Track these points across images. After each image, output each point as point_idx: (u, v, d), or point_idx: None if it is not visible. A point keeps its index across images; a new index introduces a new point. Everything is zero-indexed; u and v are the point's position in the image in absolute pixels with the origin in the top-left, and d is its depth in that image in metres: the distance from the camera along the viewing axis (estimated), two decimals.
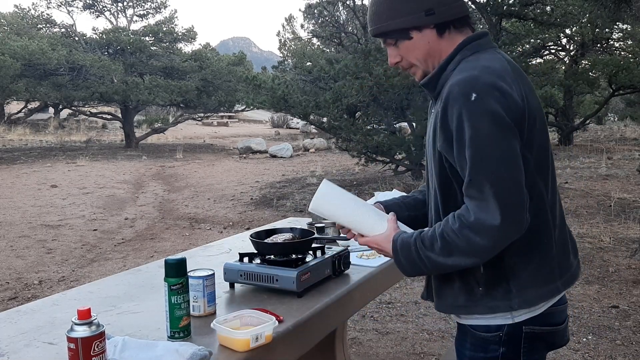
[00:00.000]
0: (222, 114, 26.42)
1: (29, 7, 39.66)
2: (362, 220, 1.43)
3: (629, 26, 14.18)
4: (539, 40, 15.08)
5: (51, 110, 26.52)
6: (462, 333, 1.41)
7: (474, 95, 1.20)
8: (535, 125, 1.27)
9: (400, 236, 1.35)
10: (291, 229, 1.95)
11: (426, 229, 1.34)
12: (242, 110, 22.59)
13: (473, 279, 1.32)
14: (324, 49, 20.60)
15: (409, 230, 1.42)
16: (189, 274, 1.47)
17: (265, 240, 1.82)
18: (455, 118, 1.23)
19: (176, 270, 1.40)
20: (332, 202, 1.43)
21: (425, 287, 1.50)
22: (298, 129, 26.70)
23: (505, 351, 1.32)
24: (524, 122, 1.24)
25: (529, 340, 1.32)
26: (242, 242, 2.36)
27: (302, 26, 34.78)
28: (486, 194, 1.20)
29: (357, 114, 12.79)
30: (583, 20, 12.92)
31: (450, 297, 1.38)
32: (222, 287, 1.74)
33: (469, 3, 10.32)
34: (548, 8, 10.96)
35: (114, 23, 20.41)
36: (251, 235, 1.86)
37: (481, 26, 10.85)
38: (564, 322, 1.40)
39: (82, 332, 1.18)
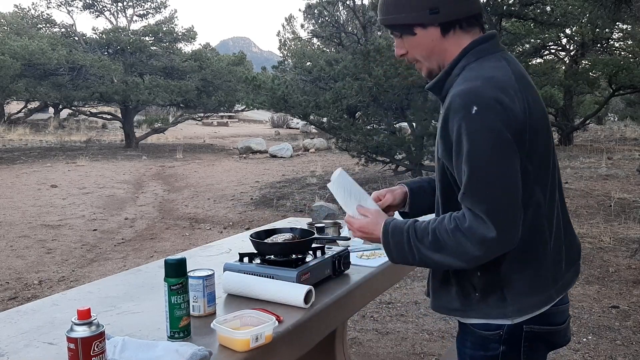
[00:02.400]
0: (222, 114, 26.44)
1: (29, 7, 39.66)
2: (351, 202, 1.46)
3: (629, 26, 14.18)
4: (539, 40, 15.08)
5: (51, 110, 26.53)
6: (463, 331, 1.41)
7: (474, 108, 1.19)
8: (538, 136, 1.26)
9: (393, 221, 1.36)
10: (291, 229, 1.95)
11: (420, 219, 1.34)
12: (242, 110, 22.61)
13: (470, 284, 1.33)
14: (324, 49, 20.59)
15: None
16: (189, 274, 1.47)
17: (265, 241, 1.82)
18: (455, 129, 1.22)
19: (176, 271, 1.40)
20: (340, 184, 1.48)
21: (427, 285, 1.51)
22: (298, 129, 26.71)
23: (505, 350, 1.33)
24: (524, 134, 1.23)
25: (529, 340, 1.33)
26: (242, 242, 2.35)
27: (302, 26, 34.82)
28: (480, 209, 1.21)
29: (357, 114, 12.81)
30: (583, 20, 12.92)
31: (445, 299, 1.39)
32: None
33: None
34: (548, 8, 10.96)
35: (114, 23, 20.41)
36: (251, 235, 1.85)
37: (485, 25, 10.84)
38: (565, 322, 1.40)
39: (82, 332, 1.18)
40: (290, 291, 1.56)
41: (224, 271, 1.76)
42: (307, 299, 1.54)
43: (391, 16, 1.35)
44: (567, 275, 1.39)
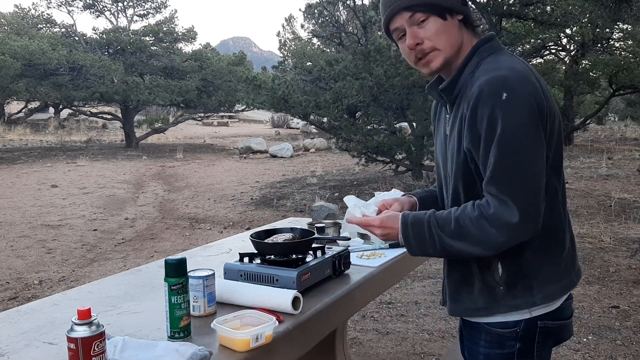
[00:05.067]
0: (222, 114, 26.43)
1: (29, 7, 39.72)
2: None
3: (630, 26, 14.16)
4: (539, 40, 15.07)
5: (51, 110, 26.54)
6: (474, 331, 1.40)
7: (504, 94, 1.22)
8: (555, 123, 1.30)
9: (412, 213, 1.38)
10: (291, 229, 1.95)
11: (440, 211, 1.35)
12: (242, 110, 22.61)
13: (493, 280, 1.33)
14: (324, 49, 20.60)
15: None
16: (189, 274, 1.47)
17: (266, 241, 1.82)
18: (486, 117, 1.24)
19: (176, 270, 1.40)
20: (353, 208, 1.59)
21: (442, 294, 1.52)
22: (298, 129, 26.71)
23: (521, 346, 1.34)
24: (547, 120, 1.27)
25: (542, 335, 1.35)
26: (242, 242, 2.35)
27: (302, 26, 34.82)
28: (506, 193, 1.23)
29: (357, 114, 12.80)
30: (583, 20, 12.91)
31: (468, 300, 1.38)
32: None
33: (470, 3, 10.33)
34: (548, 8, 10.95)
35: (114, 23, 20.43)
36: (251, 235, 1.85)
37: (481, 26, 10.85)
38: (571, 315, 1.44)
39: (82, 332, 1.18)
40: (277, 297, 1.55)
41: (224, 271, 1.77)
42: (295, 304, 1.53)
43: None
44: (577, 262, 1.43)
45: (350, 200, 1.60)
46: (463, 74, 1.34)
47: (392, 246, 2.21)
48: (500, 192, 1.23)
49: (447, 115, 1.42)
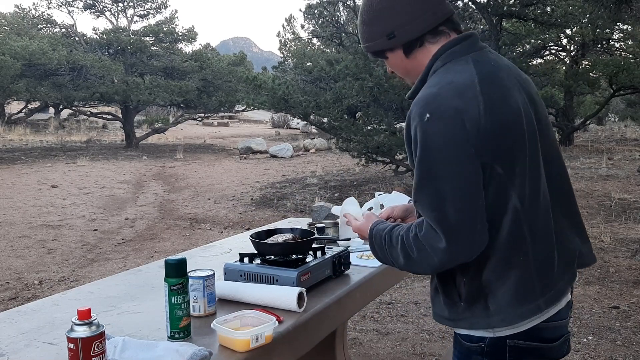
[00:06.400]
0: (222, 114, 26.43)
1: (29, 7, 39.72)
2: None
3: (630, 26, 14.17)
4: (539, 41, 15.07)
5: (51, 110, 26.54)
6: (454, 340, 1.40)
7: (427, 115, 1.20)
8: (507, 138, 1.22)
9: (378, 225, 1.39)
10: (291, 230, 1.95)
11: (399, 226, 1.34)
12: (243, 111, 22.61)
13: (456, 293, 1.30)
14: (325, 49, 20.59)
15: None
16: (189, 274, 1.47)
17: (266, 241, 1.82)
18: (413, 138, 1.24)
19: (176, 271, 1.40)
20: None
21: None
22: (298, 129, 26.71)
23: None
24: (486, 138, 1.19)
25: (514, 353, 1.28)
26: (243, 242, 2.35)
27: (302, 26, 34.78)
28: (428, 217, 1.21)
29: (357, 115, 12.81)
30: (583, 21, 12.91)
31: (438, 307, 1.38)
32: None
33: (470, 3, 10.33)
34: (548, 8, 10.95)
35: (115, 23, 20.41)
36: (251, 236, 1.85)
37: (481, 26, 10.85)
38: (559, 338, 1.32)
39: (82, 332, 1.18)
40: (282, 296, 1.55)
41: (224, 271, 1.77)
42: (300, 302, 1.54)
43: (365, 45, 1.42)
44: (559, 284, 1.30)
45: (346, 203, 1.68)
46: (426, 83, 1.32)
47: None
48: (423, 214, 1.22)
49: None
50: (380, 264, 2.02)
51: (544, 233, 1.28)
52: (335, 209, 1.67)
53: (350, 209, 1.62)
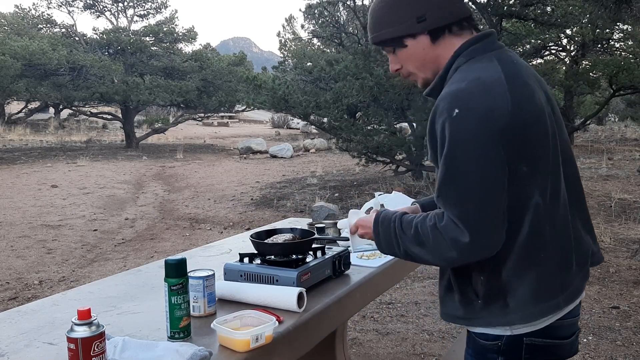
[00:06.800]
0: (222, 114, 26.43)
1: (29, 7, 39.73)
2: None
3: (630, 26, 14.16)
4: (539, 41, 15.06)
5: (51, 110, 26.54)
6: (467, 338, 1.40)
7: (456, 111, 1.19)
8: (532, 136, 1.23)
9: (385, 212, 1.39)
10: (291, 230, 1.95)
11: (409, 215, 1.34)
12: (243, 111, 22.61)
13: (472, 291, 1.30)
14: (325, 49, 20.59)
15: None
16: (189, 274, 1.47)
17: (266, 241, 1.82)
18: (439, 133, 1.22)
19: (176, 271, 1.40)
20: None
21: None
22: (298, 129, 26.70)
23: None
24: (513, 135, 1.19)
25: (530, 351, 1.29)
26: (243, 242, 2.35)
27: (302, 26, 34.75)
28: (452, 212, 1.20)
29: (357, 115, 12.80)
30: (583, 21, 12.90)
31: (450, 306, 1.36)
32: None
33: (470, 3, 10.32)
34: (549, 8, 10.95)
35: (115, 23, 20.41)
36: (251, 236, 1.85)
37: (482, 26, 10.84)
38: (572, 335, 1.35)
39: (82, 332, 1.18)
40: (282, 296, 1.55)
41: (224, 271, 1.77)
42: (299, 302, 1.54)
43: (381, 32, 1.36)
44: (576, 281, 1.32)
45: (351, 215, 1.64)
46: (446, 79, 1.31)
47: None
48: (446, 209, 1.21)
49: None
50: (380, 264, 2.02)
51: (563, 231, 1.30)
52: (342, 223, 1.66)
53: (354, 218, 1.60)
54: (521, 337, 1.27)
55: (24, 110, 24.20)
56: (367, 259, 2.06)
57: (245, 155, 16.47)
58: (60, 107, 23.82)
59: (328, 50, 19.52)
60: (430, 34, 1.32)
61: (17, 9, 20.73)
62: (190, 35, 19.89)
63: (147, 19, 20.89)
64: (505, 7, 10.10)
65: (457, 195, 1.20)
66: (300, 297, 1.54)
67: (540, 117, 1.25)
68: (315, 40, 21.73)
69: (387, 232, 1.33)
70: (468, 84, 1.22)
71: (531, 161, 1.23)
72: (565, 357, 1.36)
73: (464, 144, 1.18)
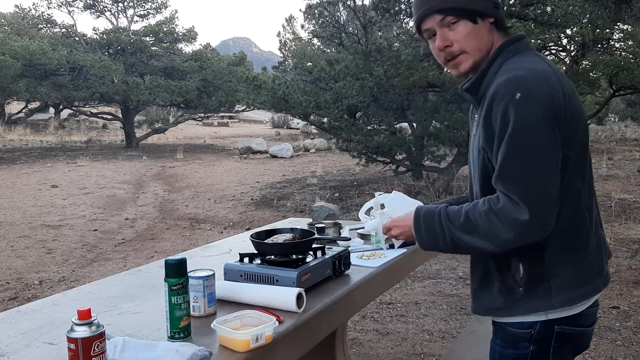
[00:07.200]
0: (222, 114, 26.43)
1: (29, 7, 39.72)
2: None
3: (630, 26, 14.16)
4: (539, 41, 15.02)
5: (51, 110, 26.54)
6: (494, 328, 1.43)
7: (518, 94, 1.23)
8: (578, 125, 1.30)
9: (425, 207, 1.42)
10: (291, 230, 1.95)
11: (452, 206, 1.38)
12: (243, 111, 22.61)
13: (513, 281, 1.33)
14: (325, 49, 20.58)
15: None
16: (189, 274, 1.47)
17: (266, 241, 1.82)
18: (499, 116, 1.25)
19: (176, 271, 1.40)
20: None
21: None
22: (298, 129, 26.71)
23: (535, 349, 1.34)
24: (565, 122, 1.26)
25: (559, 341, 1.33)
26: (243, 242, 2.35)
27: (302, 26, 34.74)
28: (513, 191, 1.23)
29: (357, 115, 12.80)
30: (584, 21, 12.90)
31: (487, 299, 1.39)
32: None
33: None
34: (548, 8, 10.95)
35: (115, 23, 20.42)
36: (251, 236, 1.85)
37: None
38: (593, 324, 1.41)
39: (82, 332, 1.18)
40: (281, 297, 1.55)
41: (224, 271, 1.77)
42: (299, 302, 1.53)
43: (463, 0, 1.36)
44: (606, 267, 1.39)
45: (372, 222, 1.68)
46: (487, 75, 1.36)
47: (392, 247, 2.21)
48: (508, 189, 1.24)
49: (476, 116, 1.45)
50: (380, 264, 2.02)
51: (597, 219, 1.38)
52: (371, 224, 1.66)
53: (384, 218, 1.61)
54: (553, 325, 1.32)
55: (24, 110, 24.21)
56: (367, 259, 2.06)
57: (245, 155, 16.47)
58: (60, 107, 23.82)
59: (328, 50, 19.51)
60: (496, 22, 1.37)
61: (17, 9, 20.75)
62: (190, 35, 19.89)
63: (147, 19, 20.92)
64: (505, 7, 10.10)
65: (520, 174, 1.24)
66: (299, 297, 1.54)
67: (582, 111, 1.34)
68: (315, 40, 21.71)
69: (430, 225, 1.36)
70: (526, 71, 1.27)
71: (576, 150, 1.30)
72: (584, 347, 1.41)
73: (529, 127, 1.23)
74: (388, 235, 1.55)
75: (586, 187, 1.33)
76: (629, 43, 16.02)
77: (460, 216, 1.30)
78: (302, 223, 2.59)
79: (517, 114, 1.22)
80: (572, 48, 16.75)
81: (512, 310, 1.34)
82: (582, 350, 1.43)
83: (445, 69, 1.47)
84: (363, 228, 2.47)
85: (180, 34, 19.76)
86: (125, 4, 20.30)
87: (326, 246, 1.92)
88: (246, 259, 1.81)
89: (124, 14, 20.64)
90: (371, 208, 2.30)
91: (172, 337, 1.38)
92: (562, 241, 1.29)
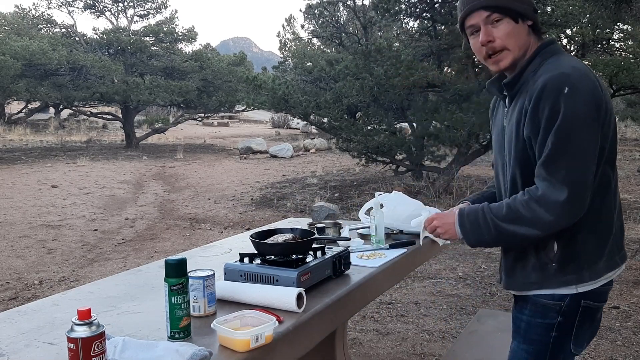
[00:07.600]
0: (222, 114, 26.42)
1: (29, 7, 39.76)
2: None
3: (630, 26, 14.16)
4: None
5: (52, 110, 26.54)
6: (523, 302, 1.56)
7: (566, 89, 1.37)
8: (612, 118, 1.44)
9: (468, 206, 1.57)
10: (291, 229, 1.95)
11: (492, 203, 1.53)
12: (243, 111, 22.60)
13: (547, 258, 1.48)
14: (325, 49, 20.57)
15: None
16: (189, 274, 1.47)
17: (266, 241, 1.82)
18: (548, 108, 1.38)
19: (176, 271, 1.40)
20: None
21: (499, 272, 1.69)
22: (298, 129, 26.71)
23: (562, 320, 1.48)
24: (604, 116, 1.40)
25: (583, 315, 1.49)
26: (243, 242, 2.35)
27: (302, 26, 34.77)
28: (556, 175, 1.37)
29: (357, 114, 12.80)
30: (584, 21, 12.89)
31: (521, 274, 1.54)
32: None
33: None
34: (548, 8, 10.95)
35: (115, 23, 20.42)
36: (251, 236, 1.85)
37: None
38: (606, 301, 1.56)
39: (82, 332, 1.18)
40: (281, 297, 1.55)
41: (224, 271, 1.77)
42: (299, 302, 1.53)
43: (511, 0, 1.49)
44: (624, 248, 1.57)
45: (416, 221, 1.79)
46: (525, 72, 1.49)
47: (392, 247, 2.21)
48: (550, 174, 1.38)
49: (505, 109, 1.58)
50: (380, 264, 2.02)
51: (620, 205, 1.56)
52: (416, 222, 1.78)
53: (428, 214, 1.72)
54: (580, 300, 1.47)
55: (24, 110, 24.20)
56: (367, 259, 2.06)
57: (245, 155, 16.47)
58: (60, 107, 23.82)
59: (328, 50, 19.51)
60: (533, 25, 1.51)
61: (17, 9, 20.74)
62: (190, 35, 19.89)
63: (147, 19, 20.91)
64: None
65: (564, 160, 1.37)
66: (299, 297, 1.54)
67: (613, 109, 1.46)
68: (315, 40, 21.71)
69: (475, 220, 1.50)
70: (569, 69, 1.40)
71: (610, 143, 1.44)
72: (595, 330, 1.57)
73: (577, 119, 1.37)
74: (434, 234, 1.65)
75: (614, 177, 1.49)
76: (629, 43, 16.01)
77: (503, 208, 1.45)
78: (302, 223, 2.59)
79: (567, 107, 1.36)
80: (572, 48, 16.74)
81: (545, 284, 1.49)
82: (592, 337, 1.57)
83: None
84: (363, 228, 2.47)
85: (180, 34, 19.76)
86: (125, 4, 20.31)
87: (326, 246, 1.92)
88: (246, 259, 1.81)
89: (124, 14, 20.65)
90: (371, 208, 2.30)
91: (172, 337, 1.38)
92: (593, 222, 1.45)
